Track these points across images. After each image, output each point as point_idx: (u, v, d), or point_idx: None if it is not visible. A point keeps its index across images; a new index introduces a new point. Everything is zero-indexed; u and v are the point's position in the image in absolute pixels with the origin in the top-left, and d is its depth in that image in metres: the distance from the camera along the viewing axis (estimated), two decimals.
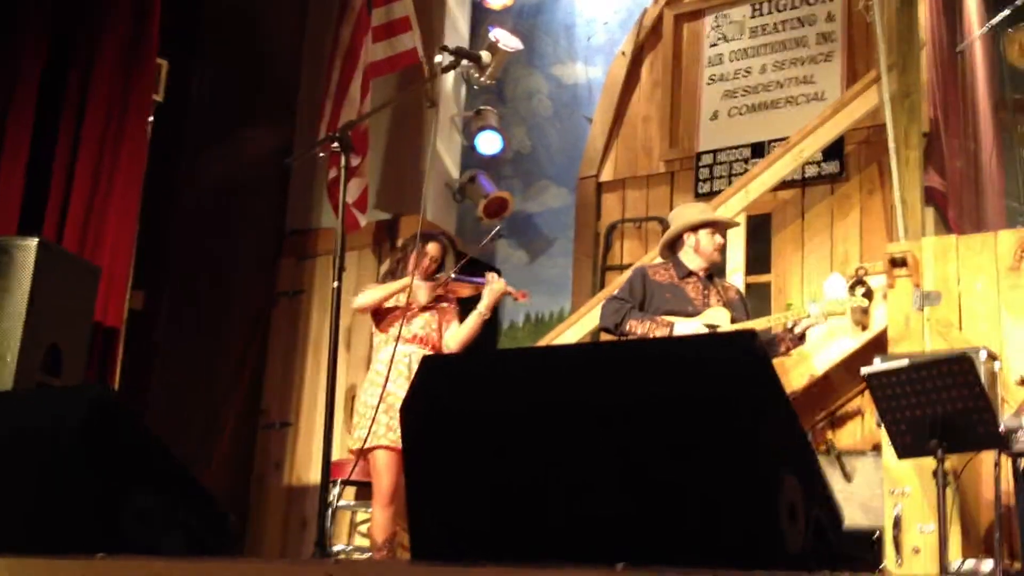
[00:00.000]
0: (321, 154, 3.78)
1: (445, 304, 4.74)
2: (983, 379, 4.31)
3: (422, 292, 4.62)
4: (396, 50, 6.63)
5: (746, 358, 2.03)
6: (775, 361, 4.63)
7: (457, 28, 7.14)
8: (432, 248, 4.71)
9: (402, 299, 4.54)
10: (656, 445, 2.03)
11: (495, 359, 2.82)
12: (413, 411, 2.34)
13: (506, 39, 6.61)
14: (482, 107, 7.08)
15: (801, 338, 4.49)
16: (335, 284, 3.34)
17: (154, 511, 2.41)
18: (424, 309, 4.69)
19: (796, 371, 5.31)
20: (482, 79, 6.78)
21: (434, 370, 2.37)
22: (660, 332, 4.40)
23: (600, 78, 7.39)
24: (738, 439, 1.93)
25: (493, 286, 4.62)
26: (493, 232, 5.61)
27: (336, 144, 3.51)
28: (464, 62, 4.30)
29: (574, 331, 5.92)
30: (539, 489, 2.10)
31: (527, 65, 7.57)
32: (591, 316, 5.85)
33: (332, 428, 3.03)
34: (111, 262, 5.15)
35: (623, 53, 7.22)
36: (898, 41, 5.63)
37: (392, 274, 4.81)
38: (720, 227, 4.85)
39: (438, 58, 3.92)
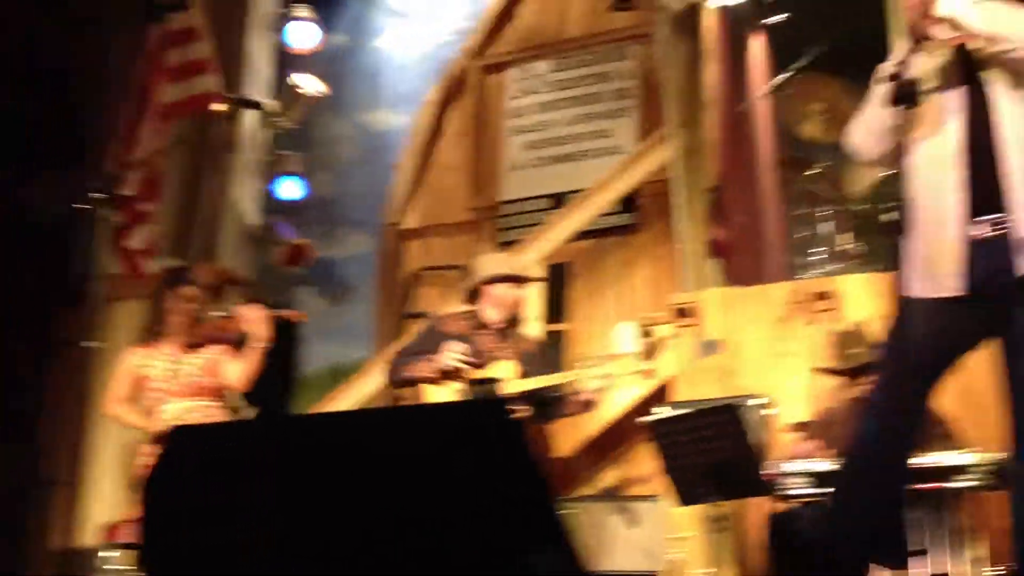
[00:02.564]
0: (87, 206, 3.57)
1: (220, 345, 4.57)
2: (756, 426, 4.50)
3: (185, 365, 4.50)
4: (194, 91, 6.44)
5: (498, 430, 2.02)
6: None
7: (260, 71, 7.02)
8: (187, 291, 4.54)
9: (160, 374, 4.41)
10: (402, 519, 2.00)
11: (241, 429, 2.72)
12: (153, 486, 2.24)
13: (309, 84, 6.55)
14: (285, 152, 6.96)
15: (588, 405, 4.53)
16: (90, 344, 3.15)
17: None
18: (192, 350, 4.51)
19: (585, 418, 5.39)
20: (284, 123, 6.67)
21: (178, 443, 2.27)
22: (430, 366, 4.40)
23: (406, 126, 7.40)
24: (486, 515, 1.92)
25: (251, 315, 4.49)
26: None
27: (96, 196, 3.32)
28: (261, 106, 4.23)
29: (373, 380, 5.85)
30: (284, 566, 2.03)
31: (334, 110, 7.52)
32: None
33: (75, 489, 2.86)
34: None
35: (429, 102, 7.27)
36: (686, 99, 5.88)
37: (151, 331, 4.60)
38: (518, 281, 4.85)
39: (216, 106, 3.81)
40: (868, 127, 3.00)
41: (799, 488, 3.95)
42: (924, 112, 2.87)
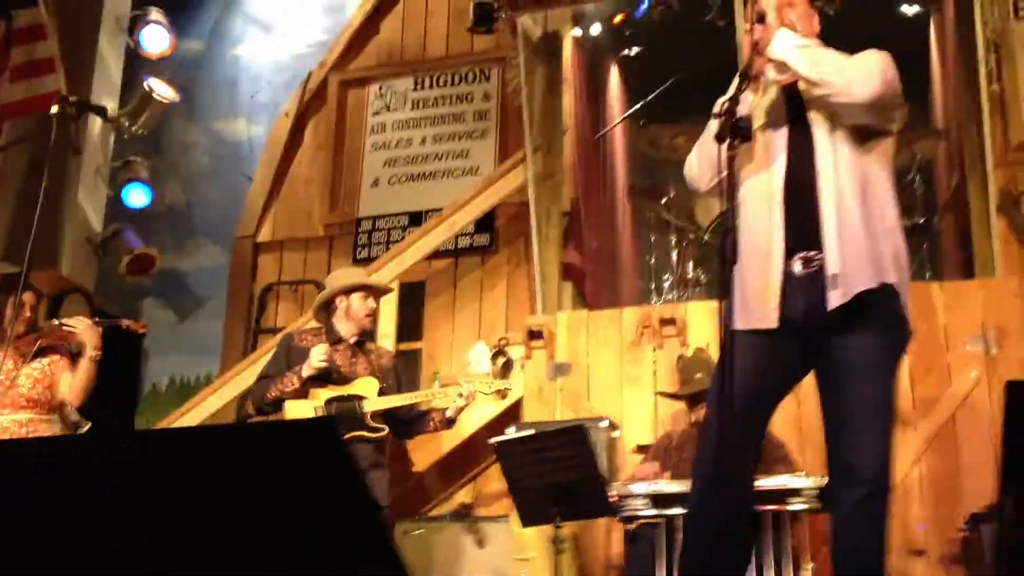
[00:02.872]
0: None
1: (56, 356, 4.38)
2: (604, 447, 4.58)
3: (18, 376, 4.29)
4: (37, 92, 6.19)
5: (322, 450, 1.99)
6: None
7: (109, 74, 6.77)
8: (23, 299, 4.35)
9: None
10: (227, 538, 1.94)
11: (52, 446, 2.61)
12: None
13: (161, 89, 6.35)
14: (132, 158, 6.72)
15: (451, 423, 4.56)
16: None
17: None
18: (26, 360, 4.31)
19: (438, 437, 5.38)
20: (133, 128, 6.44)
21: None
22: (291, 378, 4.36)
23: (263, 137, 7.27)
24: (312, 538, 1.89)
25: (83, 325, 4.34)
26: None
27: None
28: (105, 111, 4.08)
29: (220, 395, 5.70)
30: None
31: (186, 118, 7.32)
32: (239, 380, 5.66)
33: None
34: None
35: (287, 114, 7.15)
36: (544, 124, 5.96)
37: None
38: (372, 292, 4.82)
39: (54, 108, 3.66)
40: (702, 159, 3.10)
41: (640, 510, 4.04)
42: (753, 148, 2.98)
